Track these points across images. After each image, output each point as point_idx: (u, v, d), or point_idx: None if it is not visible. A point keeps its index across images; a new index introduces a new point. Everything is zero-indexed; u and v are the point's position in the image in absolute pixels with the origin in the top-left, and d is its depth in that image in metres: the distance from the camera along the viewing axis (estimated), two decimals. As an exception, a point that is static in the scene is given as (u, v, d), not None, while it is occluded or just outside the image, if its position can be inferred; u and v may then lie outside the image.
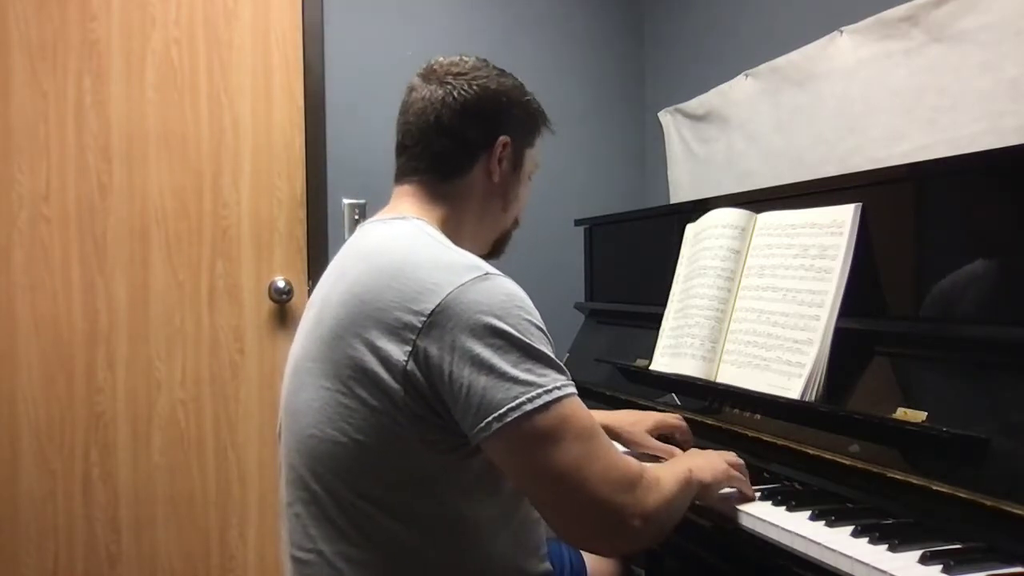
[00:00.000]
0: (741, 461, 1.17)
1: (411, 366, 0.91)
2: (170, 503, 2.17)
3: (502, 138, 1.11)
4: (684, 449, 1.38)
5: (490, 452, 0.92)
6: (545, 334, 0.95)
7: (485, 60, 1.14)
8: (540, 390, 0.89)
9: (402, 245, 1.01)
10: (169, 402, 2.17)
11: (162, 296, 2.16)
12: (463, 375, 0.89)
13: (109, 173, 2.12)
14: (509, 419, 0.88)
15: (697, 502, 1.09)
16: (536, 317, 0.95)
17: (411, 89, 1.13)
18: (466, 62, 1.12)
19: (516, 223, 1.23)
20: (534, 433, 0.88)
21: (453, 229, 1.09)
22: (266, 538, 2.26)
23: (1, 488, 2.03)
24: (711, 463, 1.11)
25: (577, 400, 0.93)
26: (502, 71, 1.14)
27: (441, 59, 1.13)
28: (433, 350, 0.91)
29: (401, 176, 1.14)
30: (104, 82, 2.11)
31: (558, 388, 0.91)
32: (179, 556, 2.18)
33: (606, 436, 0.95)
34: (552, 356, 0.94)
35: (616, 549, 0.94)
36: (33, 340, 2.06)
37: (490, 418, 0.88)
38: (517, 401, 0.88)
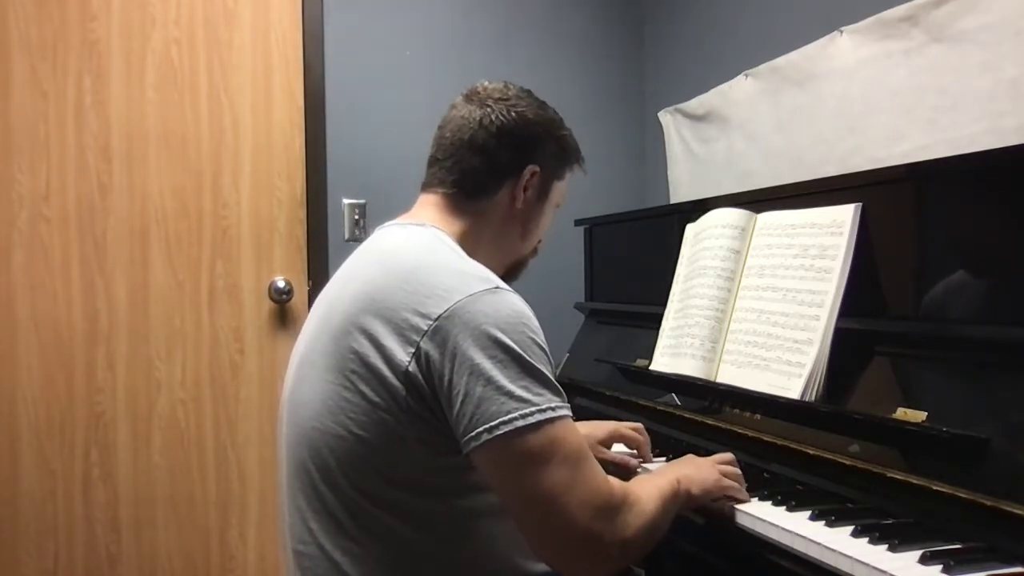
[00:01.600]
0: (736, 467, 1.17)
1: (413, 367, 0.93)
2: (170, 503, 2.17)
3: (531, 167, 1.12)
4: (644, 459, 1.39)
5: (478, 463, 0.93)
6: (546, 354, 0.96)
7: (529, 91, 1.17)
8: (534, 408, 0.90)
9: (418, 249, 1.03)
10: (169, 402, 2.17)
11: (162, 296, 2.16)
12: (461, 383, 0.90)
13: (109, 173, 2.12)
14: (499, 433, 0.89)
15: (687, 512, 1.09)
16: (540, 336, 0.96)
17: (452, 107, 1.16)
18: (509, 89, 1.14)
19: (535, 252, 1.24)
20: (522, 451, 0.90)
21: (470, 246, 1.10)
22: (266, 538, 2.26)
23: (1, 488, 2.03)
24: (702, 474, 1.11)
25: (569, 423, 0.94)
26: (543, 104, 1.16)
27: (487, 83, 1.16)
28: (435, 354, 0.92)
29: (428, 186, 1.15)
30: (104, 82, 2.11)
31: (552, 409, 0.91)
32: (179, 556, 2.18)
33: (594, 461, 0.95)
34: (550, 377, 0.94)
35: (591, 574, 0.97)
36: (33, 340, 2.06)
37: (481, 429, 0.89)
38: (509, 416, 0.89)
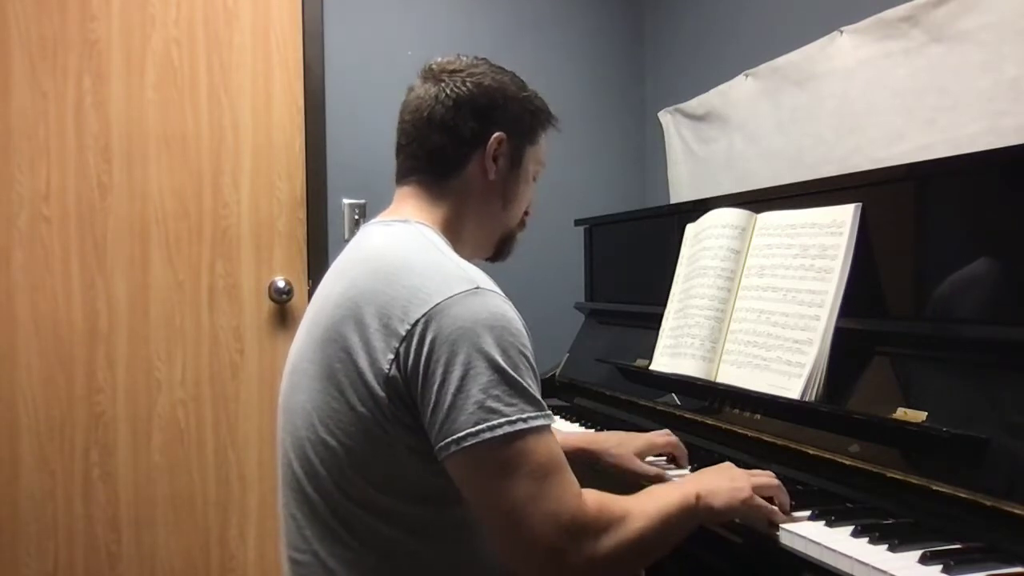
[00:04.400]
0: (776, 482, 1.07)
1: (393, 372, 0.91)
2: (170, 503, 2.17)
3: (496, 134, 1.08)
4: (680, 465, 1.34)
5: (450, 472, 0.92)
6: (527, 358, 0.93)
7: (484, 59, 1.13)
8: (503, 419, 0.87)
9: (400, 250, 1.00)
10: (169, 402, 2.17)
11: (162, 296, 2.16)
12: (433, 389, 0.89)
13: (109, 173, 2.12)
14: (466, 445, 0.87)
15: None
16: (520, 339, 0.93)
17: (410, 89, 1.13)
18: (463, 60, 1.11)
19: (522, 224, 1.20)
20: (488, 463, 0.88)
21: (454, 231, 1.08)
22: (266, 538, 2.26)
23: (1, 488, 2.03)
24: (732, 487, 1.02)
25: (542, 434, 0.90)
26: (500, 68, 1.13)
27: (439, 58, 1.13)
28: (412, 359, 0.90)
29: (400, 177, 1.13)
30: (104, 82, 2.11)
31: (522, 420, 0.88)
32: (179, 556, 2.18)
33: (567, 475, 0.91)
34: (527, 384, 0.91)
35: None
36: (33, 340, 2.06)
37: (449, 439, 0.88)
38: (476, 427, 0.87)
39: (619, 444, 1.34)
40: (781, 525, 1.02)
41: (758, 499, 1.03)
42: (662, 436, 1.36)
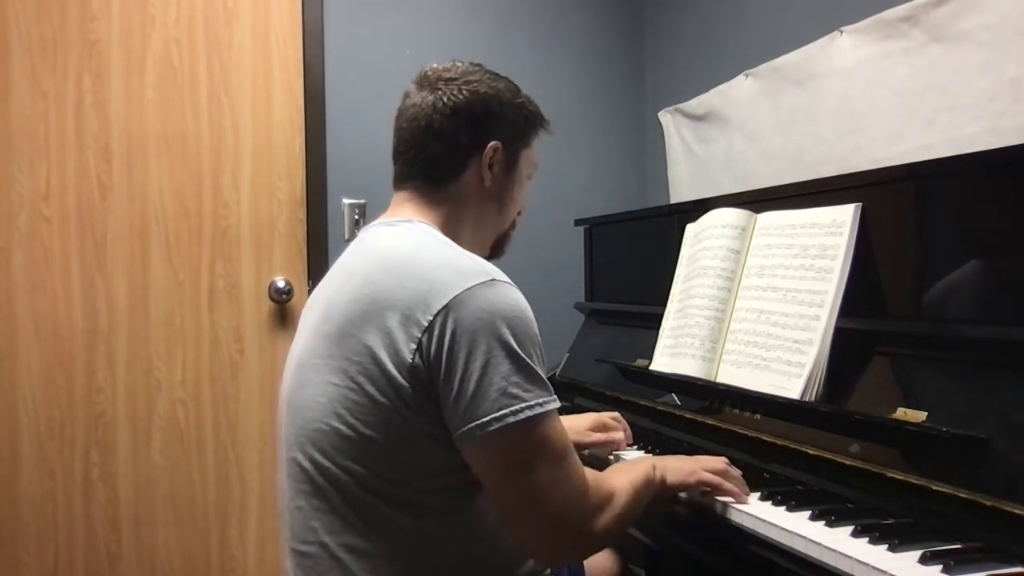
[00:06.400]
0: (721, 467, 1.15)
1: (416, 361, 0.94)
2: (170, 503, 2.17)
3: (492, 143, 1.12)
4: (620, 447, 1.46)
5: (468, 457, 0.95)
6: (538, 346, 0.98)
7: (479, 64, 1.16)
8: (523, 404, 0.93)
9: (412, 246, 1.03)
10: (169, 402, 2.17)
11: (162, 296, 2.16)
12: (456, 378, 0.92)
13: (109, 173, 2.12)
14: (490, 430, 0.91)
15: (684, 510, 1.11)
16: (533, 329, 0.98)
17: (406, 96, 1.15)
18: (458, 67, 1.14)
19: (513, 224, 1.24)
20: (510, 447, 0.93)
21: (452, 233, 1.10)
22: (266, 538, 2.26)
23: (1, 488, 2.03)
24: (680, 464, 1.15)
25: (555, 417, 0.96)
26: (495, 75, 1.16)
27: (435, 65, 1.15)
28: (434, 349, 0.93)
29: (398, 182, 1.16)
30: (104, 82, 2.11)
31: (540, 404, 0.94)
32: (179, 556, 2.18)
33: (576, 456, 0.98)
34: (540, 371, 0.96)
35: (559, 563, 1.04)
36: (33, 340, 2.06)
37: (472, 425, 0.92)
38: (501, 412, 0.92)
39: (575, 422, 1.46)
40: (782, 526, 1.02)
41: (705, 475, 1.14)
42: (609, 415, 1.49)
